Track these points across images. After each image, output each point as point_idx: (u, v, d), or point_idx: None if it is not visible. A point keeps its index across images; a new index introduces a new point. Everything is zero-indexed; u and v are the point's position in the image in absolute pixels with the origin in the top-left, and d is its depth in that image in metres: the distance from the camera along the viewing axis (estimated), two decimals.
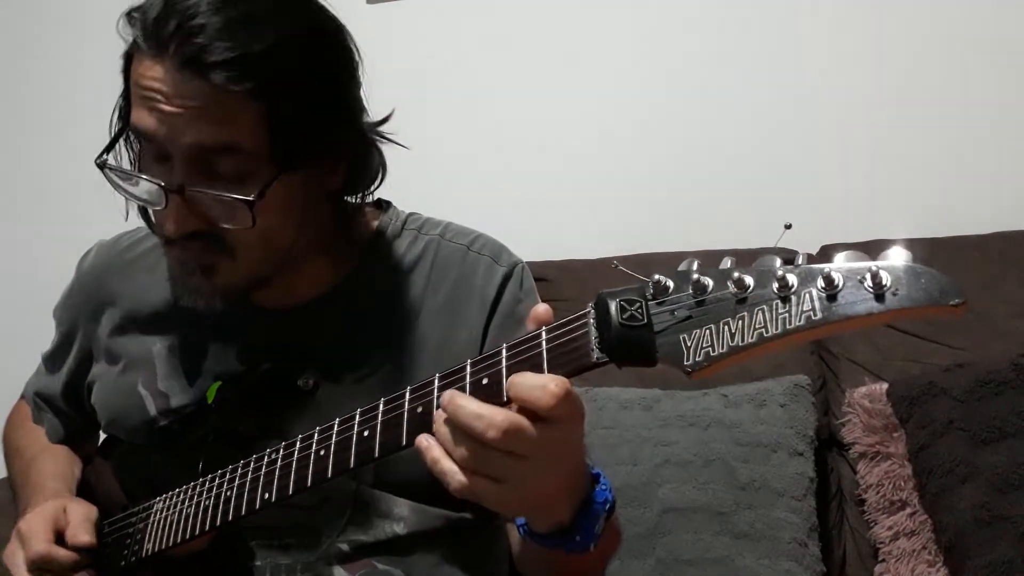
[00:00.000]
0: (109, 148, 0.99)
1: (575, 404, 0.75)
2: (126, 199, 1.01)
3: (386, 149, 1.12)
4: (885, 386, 1.51)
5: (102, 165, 0.98)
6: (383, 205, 1.18)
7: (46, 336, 1.30)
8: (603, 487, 0.88)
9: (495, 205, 1.91)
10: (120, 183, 0.97)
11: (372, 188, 1.12)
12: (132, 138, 1.00)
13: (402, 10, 2.00)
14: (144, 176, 0.94)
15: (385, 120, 1.10)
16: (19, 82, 2.34)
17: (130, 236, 1.25)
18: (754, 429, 1.50)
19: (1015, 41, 1.75)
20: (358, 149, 1.04)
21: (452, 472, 0.75)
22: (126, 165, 1.06)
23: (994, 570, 1.28)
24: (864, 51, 1.83)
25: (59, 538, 1.04)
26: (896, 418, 1.47)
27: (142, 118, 0.92)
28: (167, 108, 0.90)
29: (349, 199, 1.10)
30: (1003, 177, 1.76)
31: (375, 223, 1.14)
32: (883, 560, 1.47)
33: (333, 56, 0.99)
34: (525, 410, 0.74)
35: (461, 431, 0.74)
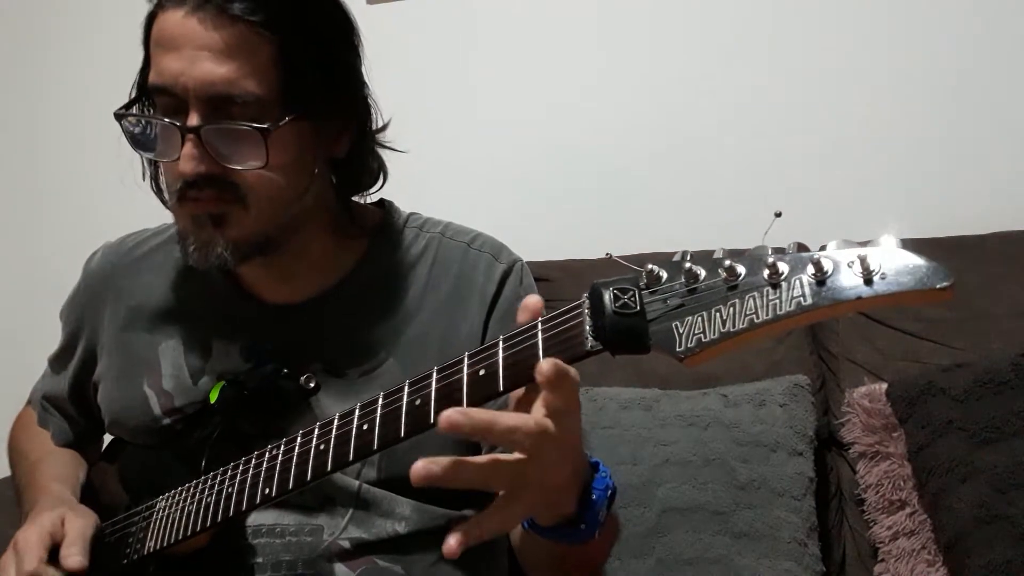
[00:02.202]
0: (129, 105, 1.03)
1: (576, 394, 0.77)
2: (141, 156, 1.05)
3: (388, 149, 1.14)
4: (884, 386, 1.50)
5: (120, 117, 1.01)
6: (385, 204, 1.19)
7: (49, 339, 1.31)
8: (603, 474, 0.89)
9: (495, 205, 1.92)
10: (136, 136, 1.01)
11: (374, 187, 1.14)
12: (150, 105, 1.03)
13: (402, 10, 2.01)
14: (160, 118, 0.98)
15: (383, 128, 1.13)
16: (22, 83, 2.35)
17: (136, 236, 1.27)
18: (753, 429, 1.50)
19: (1015, 40, 1.75)
20: (362, 117, 1.08)
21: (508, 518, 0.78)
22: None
23: (994, 570, 1.27)
24: (863, 50, 1.83)
25: (55, 552, 1.03)
26: (895, 418, 1.47)
27: (162, 68, 0.97)
28: (187, 50, 0.94)
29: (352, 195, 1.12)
30: (1002, 177, 1.76)
31: (377, 221, 1.16)
32: (883, 560, 1.46)
33: (340, 14, 1.05)
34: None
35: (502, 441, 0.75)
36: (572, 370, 0.74)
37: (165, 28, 0.96)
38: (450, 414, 0.72)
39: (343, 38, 1.05)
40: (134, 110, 1.03)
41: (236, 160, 0.97)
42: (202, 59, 0.94)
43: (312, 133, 1.01)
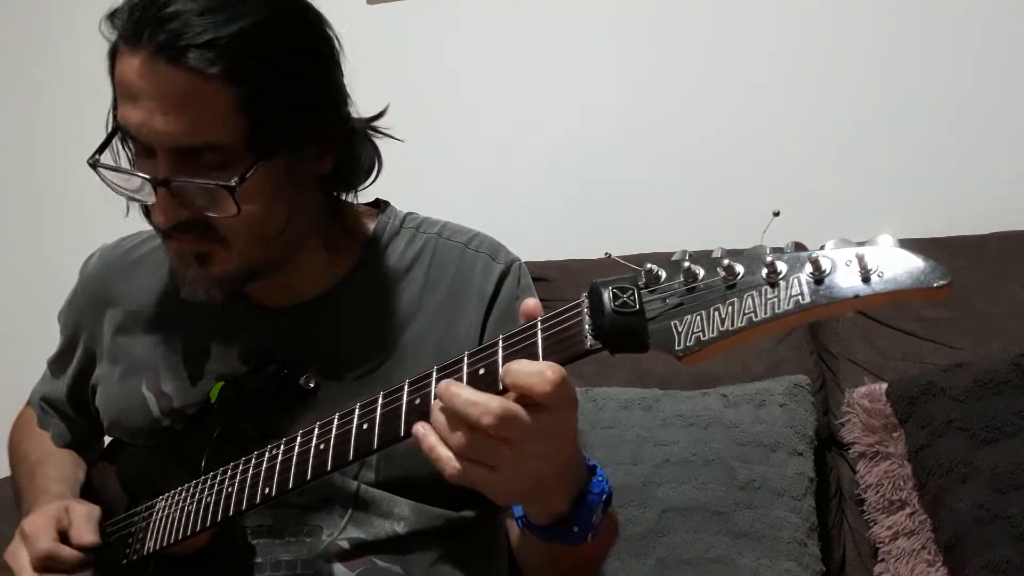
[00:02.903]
0: (101, 149, 1.01)
1: (569, 391, 0.76)
2: (124, 198, 1.02)
3: (386, 148, 1.13)
4: (884, 386, 1.50)
5: (94, 164, 0.99)
6: (381, 204, 1.19)
7: (49, 341, 1.31)
8: (600, 478, 0.89)
9: (495, 205, 1.92)
10: (113, 181, 0.99)
11: (367, 181, 1.12)
12: (126, 138, 1.01)
13: (402, 10, 2.01)
14: (132, 171, 0.96)
15: (379, 116, 1.11)
16: (21, 85, 2.35)
17: (132, 239, 1.26)
18: (754, 429, 1.50)
19: (1015, 40, 1.75)
20: (345, 135, 1.05)
21: (447, 459, 0.77)
22: (125, 166, 1.08)
23: (994, 570, 1.28)
24: (863, 50, 1.83)
25: (63, 538, 1.04)
26: (895, 418, 1.47)
27: (126, 116, 0.94)
28: (146, 101, 0.91)
29: (344, 194, 1.11)
30: (1002, 177, 1.76)
31: (373, 222, 1.16)
32: (882, 560, 1.46)
33: (310, 41, 0.99)
34: (522, 397, 0.75)
35: (457, 418, 0.76)
36: (555, 373, 0.74)
37: (124, 75, 0.93)
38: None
39: (315, 66, 1.00)
40: (107, 154, 1.01)
41: (209, 209, 0.95)
42: (160, 111, 0.91)
43: (288, 168, 0.98)
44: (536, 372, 0.74)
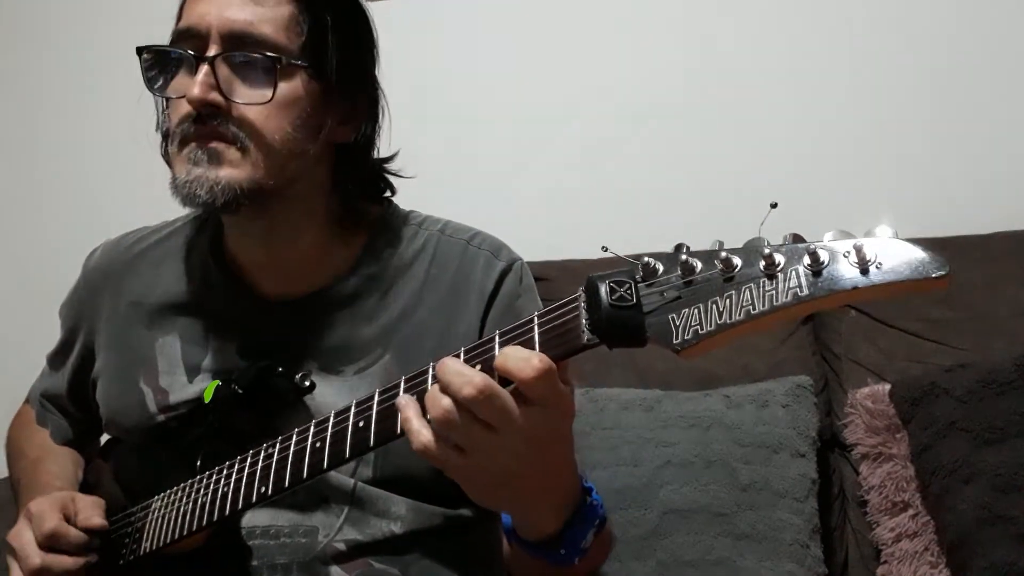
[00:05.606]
0: (157, 48, 1.05)
1: (557, 390, 0.75)
2: (154, 96, 1.07)
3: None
4: (887, 387, 1.50)
5: (140, 51, 1.04)
6: (384, 202, 1.19)
7: (48, 339, 1.31)
8: (594, 502, 0.89)
9: (496, 205, 1.91)
10: (152, 74, 1.04)
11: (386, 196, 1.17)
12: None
13: (402, 10, 2.01)
14: (180, 49, 1.01)
15: (391, 159, 1.16)
16: (22, 82, 2.35)
17: (135, 234, 1.27)
18: (756, 430, 1.50)
19: (1017, 40, 1.75)
20: (371, 108, 1.11)
21: (417, 431, 0.78)
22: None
23: (996, 571, 1.27)
24: (865, 49, 1.83)
25: (69, 522, 1.04)
26: (898, 419, 1.47)
27: (190, 13, 1.02)
28: None
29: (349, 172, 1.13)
30: (1005, 176, 1.76)
31: (376, 218, 1.16)
32: (885, 561, 1.46)
33: (363, 15, 1.12)
34: (514, 392, 0.75)
35: (441, 389, 0.76)
36: (542, 363, 0.74)
37: None
38: None
39: (363, 29, 1.10)
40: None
41: (244, 94, 0.99)
42: (229, 4, 1.00)
43: (322, 97, 1.03)
44: (523, 358, 0.74)
